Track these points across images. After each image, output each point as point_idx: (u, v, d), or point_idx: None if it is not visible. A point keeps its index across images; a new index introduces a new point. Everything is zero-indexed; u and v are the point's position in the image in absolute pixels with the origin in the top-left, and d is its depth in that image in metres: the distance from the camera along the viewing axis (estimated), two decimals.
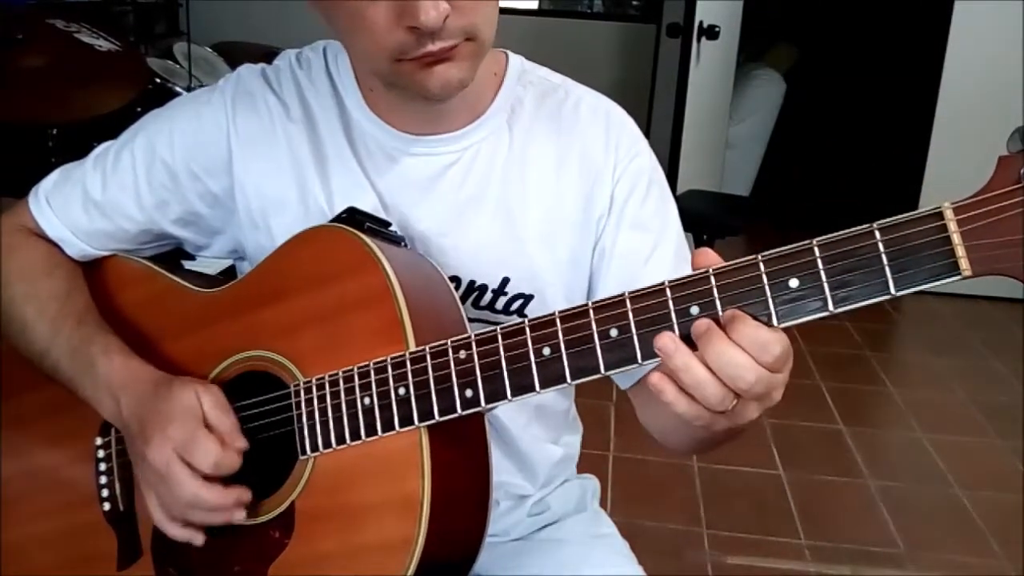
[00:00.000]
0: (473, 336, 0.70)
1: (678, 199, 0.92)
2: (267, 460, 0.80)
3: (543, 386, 0.67)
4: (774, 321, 0.60)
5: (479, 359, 0.69)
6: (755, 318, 0.61)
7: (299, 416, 0.78)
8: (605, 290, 0.90)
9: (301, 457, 0.78)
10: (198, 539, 0.80)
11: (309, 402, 0.78)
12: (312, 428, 0.77)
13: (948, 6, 3.68)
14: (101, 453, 0.90)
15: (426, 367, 0.72)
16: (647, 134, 0.96)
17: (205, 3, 3.67)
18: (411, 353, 0.72)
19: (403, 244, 0.84)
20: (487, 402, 0.69)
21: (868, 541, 2.18)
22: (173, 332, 0.89)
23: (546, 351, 0.67)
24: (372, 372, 0.74)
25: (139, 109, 2.03)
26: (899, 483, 2.44)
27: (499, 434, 0.93)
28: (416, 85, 0.78)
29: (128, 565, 0.86)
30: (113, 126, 1.02)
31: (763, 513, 2.29)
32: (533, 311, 0.89)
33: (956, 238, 0.56)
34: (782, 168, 5.07)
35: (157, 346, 0.89)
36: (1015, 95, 3.48)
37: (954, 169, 3.48)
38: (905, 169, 4.05)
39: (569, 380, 0.66)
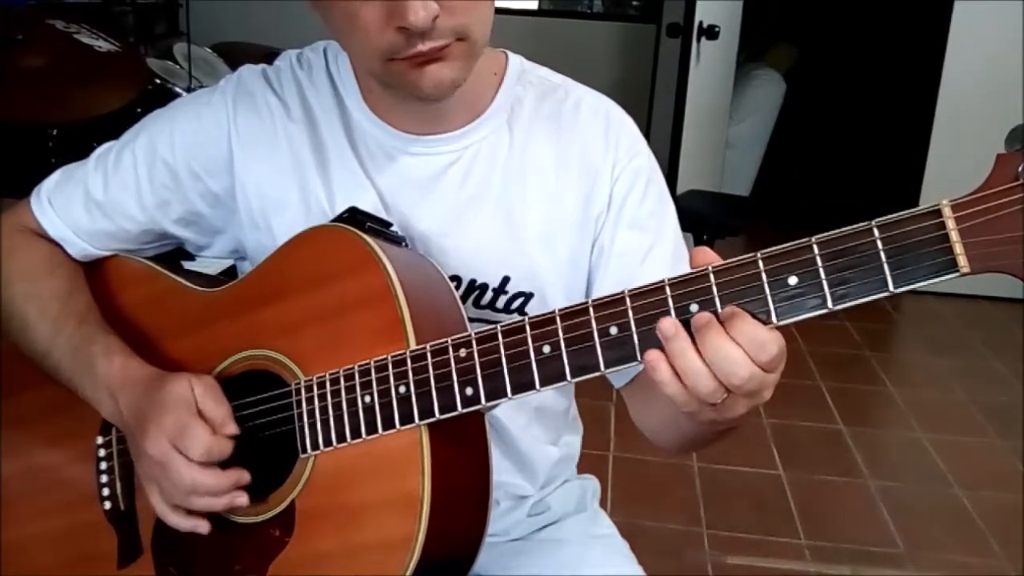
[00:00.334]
0: (473, 334, 0.70)
1: (678, 199, 0.93)
2: (268, 459, 0.80)
3: (543, 384, 0.68)
4: (773, 318, 0.61)
5: (479, 357, 0.69)
6: (754, 316, 0.61)
7: (300, 414, 0.79)
8: (602, 289, 0.90)
9: (302, 455, 0.78)
10: (203, 527, 0.80)
11: (310, 400, 0.78)
12: (313, 426, 0.78)
13: (948, 6, 3.68)
14: (102, 452, 0.90)
15: (427, 365, 0.72)
16: (647, 134, 0.96)
17: (205, 3, 3.67)
18: (412, 351, 0.73)
19: (404, 244, 0.84)
20: (487, 400, 0.69)
21: (868, 541, 2.18)
22: (174, 331, 0.89)
23: (546, 349, 0.67)
24: (373, 370, 0.74)
25: (139, 110, 2.03)
26: (899, 483, 2.44)
27: (499, 435, 0.93)
28: (409, 85, 0.78)
29: (128, 564, 0.86)
30: (113, 126, 1.02)
31: (763, 513, 2.29)
32: (533, 310, 0.89)
33: (954, 235, 0.56)
34: (782, 168, 5.07)
35: (158, 345, 0.89)
36: (1015, 95, 3.48)
37: (954, 169, 3.48)
38: (905, 169, 4.05)
39: (569, 378, 0.67)
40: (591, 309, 0.65)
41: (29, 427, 0.96)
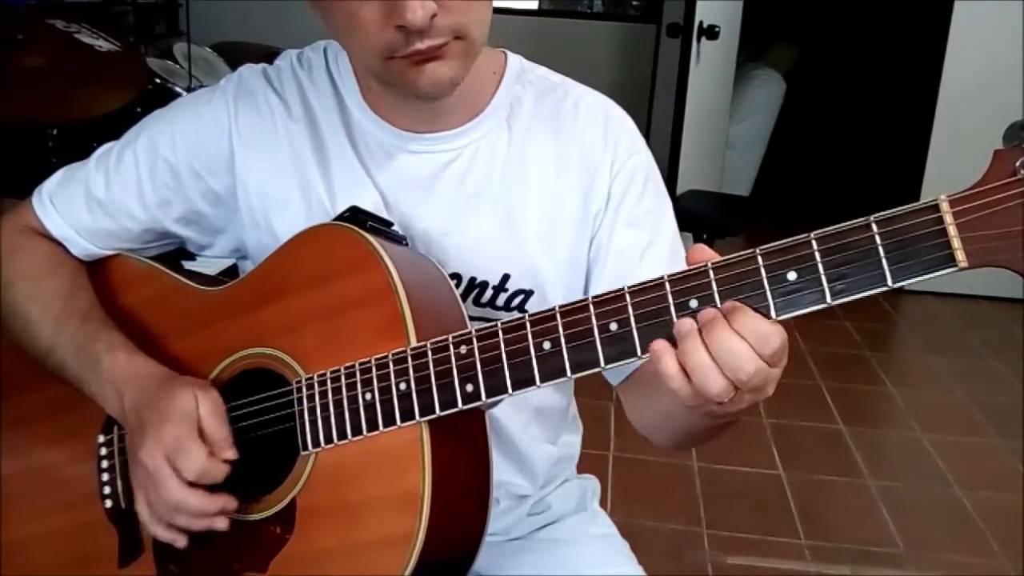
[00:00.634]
0: (474, 331, 0.71)
1: (678, 199, 0.93)
2: (269, 457, 0.81)
3: (543, 380, 0.68)
4: (772, 313, 0.61)
5: (480, 353, 0.70)
6: (755, 310, 0.61)
7: (300, 412, 0.79)
8: (599, 286, 0.90)
9: (302, 453, 0.79)
10: (180, 541, 0.80)
11: (311, 398, 0.78)
12: (313, 424, 0.78)
13: (948, 6, 3.68)
14: (104, 451, 0.90)
15: (427, 362, 0.72)
16: (647, 134, 0.96)
17: (205, 3, 3.67)
18: (412, 348, 0.73)
19: (404, 243, 0.85)
20: (488, 396, 0.70)
21: (868, 541, 2.18)
22: (176, 330, 0.90)
23: (546, 345, 0.67)
24: (373, 367, 0.75)
25: (139, 109, 2.03)
26: (899, 483, 2.44)
27: (498, 434, 0.93)
28: (407, 83, 0.78)
29: (129, 562, 0.86)
30: (113, 126, 1.02)
31: (763, 513, 2.29)
32: (533, 307, 0.89)
33: (952, 230, 0.57)
34: (782, 168, 5.07)
35: (160, 344, 0.89)
36: (1015, 95, 3.48)
37: (954, 169, 3.46)
38: (905, 169, 4.05)
39: (569, 374, 0.67)
40: (591, 306, 0.66)
41: (30, 426, 0.96)
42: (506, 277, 0.89)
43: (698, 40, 3.29)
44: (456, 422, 0.73)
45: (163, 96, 2.31)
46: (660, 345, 0.63)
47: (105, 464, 0.90)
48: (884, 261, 0.58)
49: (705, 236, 3.20)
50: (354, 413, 0.75)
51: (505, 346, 0.69)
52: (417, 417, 0.72)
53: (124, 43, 2.23)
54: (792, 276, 0.60)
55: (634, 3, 4.45)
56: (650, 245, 0.90)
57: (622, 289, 0.65)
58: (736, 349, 0.60)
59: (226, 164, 0.90)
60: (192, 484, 0.77)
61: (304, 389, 0.79)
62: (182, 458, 0.77)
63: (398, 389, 0.73)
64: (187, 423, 0.78)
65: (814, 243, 0.60)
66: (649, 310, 0.64)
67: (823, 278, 0.59)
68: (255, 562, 0.79)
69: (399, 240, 0.84)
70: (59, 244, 0.94)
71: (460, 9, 0.75)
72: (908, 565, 2.10)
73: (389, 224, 0.84)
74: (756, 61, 4.84)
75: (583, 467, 1.09)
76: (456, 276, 0.88)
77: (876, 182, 4.98)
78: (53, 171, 0.96)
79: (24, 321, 0.91)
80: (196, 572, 0.83)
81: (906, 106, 4.62)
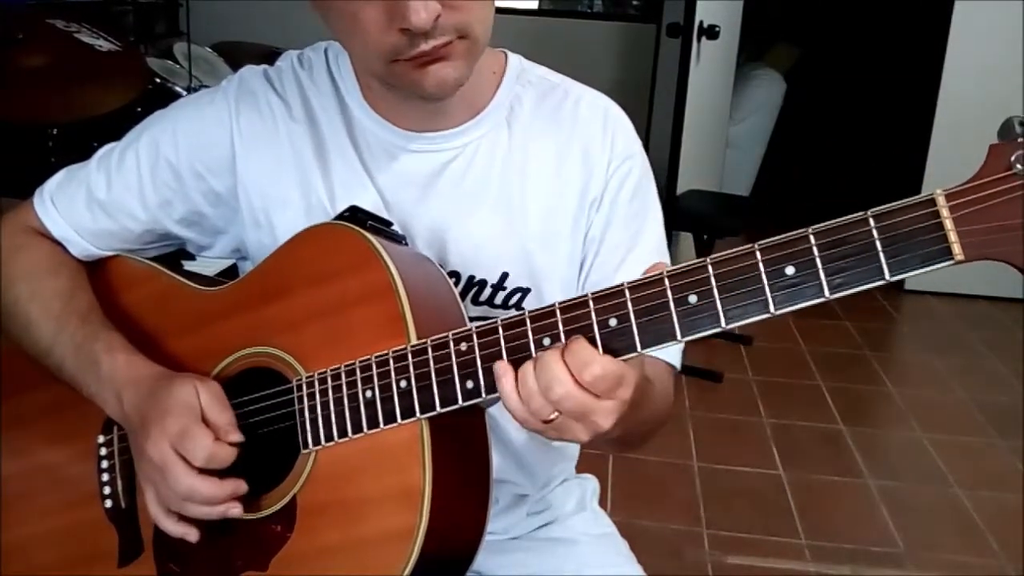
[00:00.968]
0: (474, 328, 0.71)
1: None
2: (270, 455, 0.81)
3: None
4: (771, 308, 0.61)
5: (480, 350, 0.70)
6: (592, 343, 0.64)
7: (301, 410, 0.79)
8: (586, 283, 0.92)
9: (303, 451, 0.79)
10: (192, 535, 0.80)
11: (311, 396, 0.78)
12: (314, 422, 0.78)
13: (948, 6, 3.68)
14: (103, 451, 0.90)
15: (427, 359, 0.72)
16: (647, 134, 0.97)
17: (205, 3, 3.67)
18: (412, 346, 0.73)
19: (404, 243, 0.85)
20: (487, 392, 0.70)
21: (868, 541, 2.18)
22: (177, 330, 0.90)
23: (546, 342, 0.67)
24: (374, 365, 0.75)
25: (139, 109, 2.04)
26: (899, 483, 2.44)
27: (498, 434, 0.93)
28: (412, 85, 0.78)
29: (129, 562, 0.86)
30: (113, 126, 1.02)
31: (763, 513, 2.29)
32: (530, 304, 0.90)
33: (948, 224, 0.57)
34: (782, 168, 5.07)
35: (161, 344, 0.89)
36: (1015, 95, 3.48)
37: (954, 168, 3.45)
38: (905, 169, 4.04)
39: None
40: (591, 302, 0.66)
41: (30, 426, 0.96)
42: (505, 275, 0.89)
43: (698, 40, 3.29)
44: (457, 420, 0.73)
45: (163, 96, 2.31)
46: (501, 366, 0.67)
47: (105, 464, 0.90)
48: (881, 255, 0.58)
49: (705, 236, 3.20)
50: (354, 411, 0.76)
51: (505, 342, 0.69)
52: (418, 414, 0.72)
53: (124, 43, 2.23)
54: (790, 270, 0.61)
55: (634, 3, 4.45)
56: (636, 245, 0.91)
57: (621, 285, 0.65)
58: (553, 370, 0.64)
59: (227, 164, 0.90)
60: (201, 472, 0.77)
61: (304, 387, 0.79)
62: (189, 445, 0.77)
63: (398, 386, 0.73)
64: (190, 412, 0.78)
65: (812, 238, 0.60)
66: (648, 305, 0.64)
67: (821, 272, 0.60)
68: (256, 560, 0.79)
69: (399, 239, 0.84)
70: (59, 244, 0.94)
71: (464, 8, 0.75)
72: (908, 565, 2.10)
73: (389, 223, 0.85)
74: (756, 61, 4.84)
75: (583, 467, 1.09)
76: (455, 274, 0.88)
77: (876, 182, 4.98)
78: (53, 171, 0.96)
79: (24, 321, 0.91)
80: (196, 571, 0.83)
81: (906, 106, 4.62)
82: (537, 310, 0.68)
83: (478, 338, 0.70)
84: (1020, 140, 0.56)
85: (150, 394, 0.81)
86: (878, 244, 0.58)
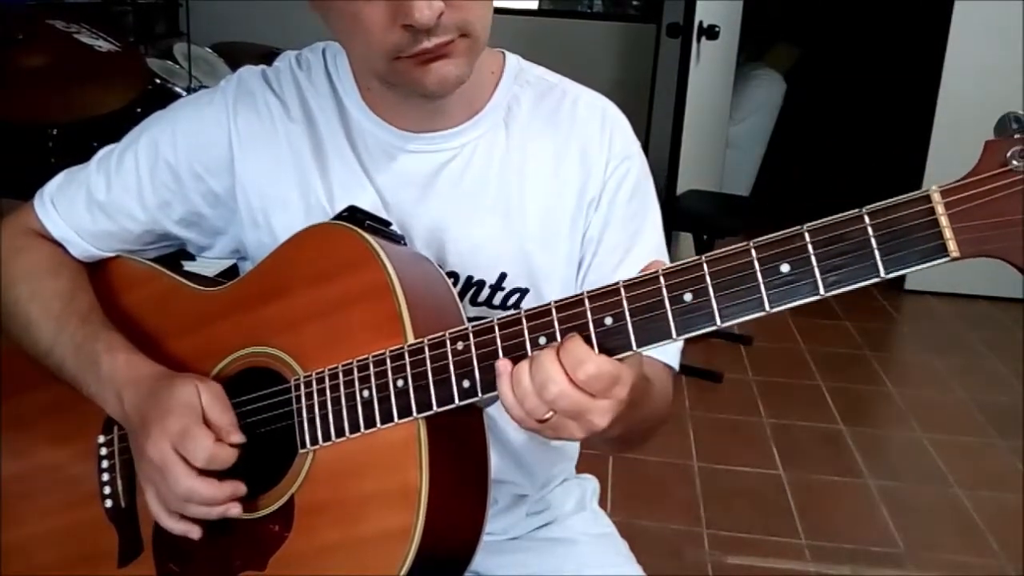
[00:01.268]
0: (471, 327, 0.71)
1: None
2: (267, 455, 0.81)
3: None
4: (766, 305, 0.61)
5: (476, 349, 0.70)
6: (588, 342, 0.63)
7: (299, 410, 0.79)
8: (583, 282, 0.92)
9: (301, 451, 0.79)
10: (194, 532, 0.80)
11: (309, 396, 0.78)
12: (312, 422, 0.78)
13: (948, 6, 3.68)
14: (103, 451, 0.90)
15: (424, 359, 0.72)
16: (647, 134, 0.97)
17: (205, 3, 3.68)
18: (409, 346, 0.73)
19: (402, 242, 0.85)
20: (484, 392, 0.70)
21: (868, 541, 2.18)
22: (176, 330, 0.90)
23: (542, 340, 0.68)
24: (371, 365, 0.75)
25: (139, 109, 2.04)
26: (899, 483, 2.44)
27: (497, 434, 0.93)
28: (414, 83, 0.79)
29: (129, 562, 0.87)
30: (113, 126, 1.02)
31: (763, 513, 2.29)
32: (528, 305, 0.89)
33: (944, 220, 0.57)
34: (782, 168, 5.07)
35: (160, 344, 0.89)
36: (1015, 95, 3.48)
37: (954, 168, 3.43)
38: (905, 169, 4.04)
39: None
40: (586, 300, 0.66)
41: (30, 427, 0.96)
42: (503, 276, 0.89)
43: (698, 40, 3.28)
44: (454, 419, 0.73)
45: (163, 96, 2.31)
46: (503, 364, 0.67)
47: (105, 464, 0.90)
48: (877, 252, 0.58)
49: (705, 236, 3.20)
50: (352, 410, 0.76)
51: (501, 341, 0.69)
52: (414, 413, 0.72)
53: (124, 43, 2.23)
54: (785, 268, 0.60)
55: (634, 3, 4.45)
56: (634, 245, 0.91)
57: (617, 283, 0.65)
58: (548, 369, 0.64)
59: (226, 165, 0.90)
60: (201, 473, 0.77)
61: (302, 387, 0.79)
62: (190, 446, 0.77)
63: (395, 386, 0.73)
64: (191, 412, 0.78)
65: (807, 235, 0.60)
66: (644, 304, 0.64)
67: (816, 270, 0.60)
68: (254, 560, 0.79)
69: (397, 239, 0.84)
70: (60, 246, 0.95)
71: (465, 7, 0.76)
72: (908, 565, 2.10)
73: (387, 223, 0.85)
74: (756, 61, 4.84)
75: (582, 467, 1.09)
76: (453, 275, 0.88)
77: (876, 182, 4.96)
78: (53, 171, 0.96)
79: (24, 322, 0.91)
80: (195, 571, 0.83)
81: (906, 106, 4.62)
82: (533, 309, 0.68)
83: (474, 337, 0.70)
84: (1016, 136, 0.56)
85: (151, 394, 0.81)
86: (873, 241, 0.58)
